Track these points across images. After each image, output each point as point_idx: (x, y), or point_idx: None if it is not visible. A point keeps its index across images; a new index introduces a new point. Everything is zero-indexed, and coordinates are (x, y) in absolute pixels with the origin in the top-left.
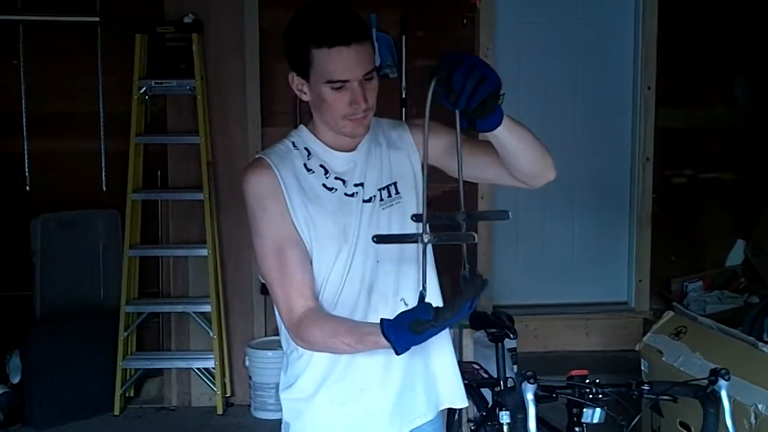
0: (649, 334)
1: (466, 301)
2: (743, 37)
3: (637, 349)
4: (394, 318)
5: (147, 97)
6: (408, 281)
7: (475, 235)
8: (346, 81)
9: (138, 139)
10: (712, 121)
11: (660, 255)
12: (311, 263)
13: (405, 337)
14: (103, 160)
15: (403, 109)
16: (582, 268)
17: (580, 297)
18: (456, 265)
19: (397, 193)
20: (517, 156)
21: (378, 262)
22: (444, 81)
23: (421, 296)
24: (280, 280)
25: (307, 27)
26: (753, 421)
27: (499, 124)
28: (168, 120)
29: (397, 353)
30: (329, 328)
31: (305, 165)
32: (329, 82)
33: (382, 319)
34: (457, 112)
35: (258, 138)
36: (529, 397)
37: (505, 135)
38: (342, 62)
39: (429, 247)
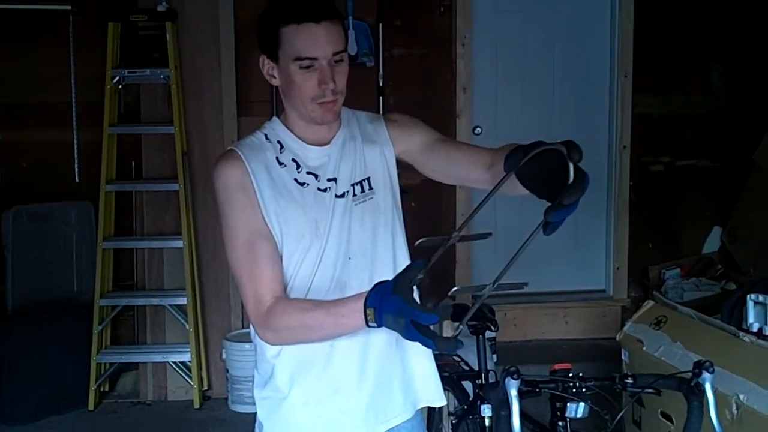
0: (629, 323)
1: (424, 313)
2: (719, 24)
3: (617, 338)
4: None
5: (120, 86)
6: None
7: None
8: (314, 59)
9: (111, 129)
10: (689, 109)
11: (637, 242)
12: (281, 258)
13: (388, 298)
14: (75, 150)
15: (381, 97)
16: (560, 256)
17: (559, 285)
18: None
19: (371, 188)
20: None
21: (350, 259)
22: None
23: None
24: (248, 274)
25: (278, 7)
26: (734, 411)
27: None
28: (142, 110)
29: (375, 318)
30: (306, 303)
31: (277, 158)
32: (297, 59)
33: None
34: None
35: (234, 127)
36: (513, 393)
37: None
38: (310, 39)
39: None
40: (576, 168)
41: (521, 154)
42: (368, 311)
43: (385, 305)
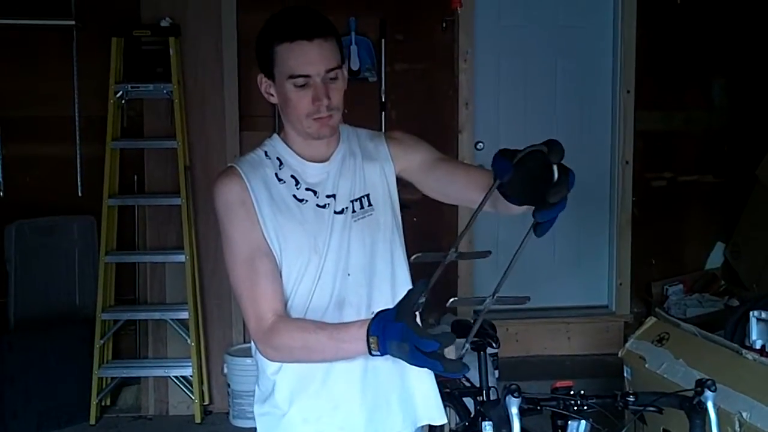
0: (631, 340)
1: (432, 340)
2: (721, 40)
3: (620, 355)
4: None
5: (123, 101)
6: (381, 297)
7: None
8: (308, 77)
9: (114, 143)
10: (691, 124)
11: (640, 258)
12: (281, 274)
13: (391, 325)
14: (78, 165)
15: (383, 112)
16: (563, 272)
17: (561, 301)
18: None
19: (370, 205)
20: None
21: (349, 275)
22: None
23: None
24: (249, 290)
25: (273, 26)
26: (737, 429)
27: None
28: (145, 124)
29: (379, 347)
30: (309, 324)
31: (276, 175)
32: (291, 77)
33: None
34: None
35: (236, 142)
36: (514, 411)
37: None
38: (303, 57)
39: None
40: (559, 166)
41: (509, 157)
42: (371, 339)
43: (389, 332)
